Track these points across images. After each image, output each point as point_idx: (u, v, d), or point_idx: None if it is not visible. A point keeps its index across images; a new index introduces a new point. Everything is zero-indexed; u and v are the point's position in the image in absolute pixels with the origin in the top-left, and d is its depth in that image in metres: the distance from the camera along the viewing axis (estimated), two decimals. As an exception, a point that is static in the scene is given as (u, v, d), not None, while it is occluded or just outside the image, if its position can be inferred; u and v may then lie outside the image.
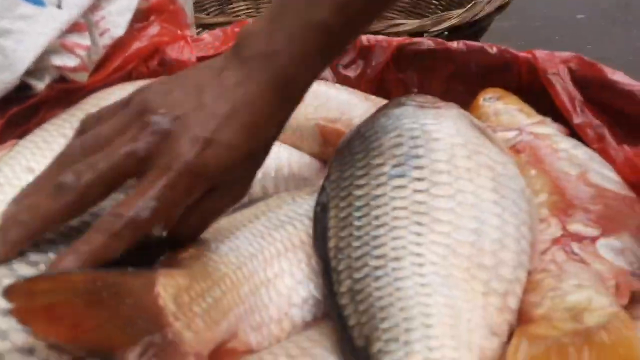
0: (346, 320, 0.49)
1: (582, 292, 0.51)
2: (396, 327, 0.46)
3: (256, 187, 0.74)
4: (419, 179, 0.56)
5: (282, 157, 0.77)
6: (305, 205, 0.66)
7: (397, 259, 0.50)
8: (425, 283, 0.48)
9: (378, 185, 0.56)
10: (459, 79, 0.92)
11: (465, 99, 0.85)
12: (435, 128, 0.61)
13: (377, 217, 0.54)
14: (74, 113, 0.75)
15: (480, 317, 0.48)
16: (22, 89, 0.81)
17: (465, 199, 0.54)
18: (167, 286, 0.45)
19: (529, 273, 0.54)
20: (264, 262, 0.56)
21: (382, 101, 0.89)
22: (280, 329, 0.55)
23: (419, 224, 0.52)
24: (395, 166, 0.57)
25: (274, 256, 0.58)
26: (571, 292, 0.52)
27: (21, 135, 0.82)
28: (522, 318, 0.51)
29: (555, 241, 0.58)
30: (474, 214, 0.53)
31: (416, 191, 0.55)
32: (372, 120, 0.66)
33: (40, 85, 0.81)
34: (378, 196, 0.56)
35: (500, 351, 0.48)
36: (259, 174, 0.77)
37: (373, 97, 0.89)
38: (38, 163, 0.67)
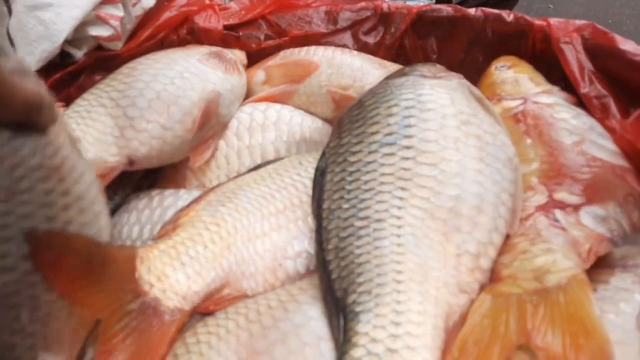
0: (330, 274, 0.55)
1: (550, 255, 0.55)
2: (370, 281, 0.51)
3: (269, 150, 0.80)
4: (407, 147, 0.60)
5: (294, 121, 0.83)
6: (310, 168, 0.72)
7: (378, 220, 0.55)
8: (401, 243, 0.53)
9: (370, 153, 0.61)
10: (477, 46, 0.93)
11: (482, 67, 0.88)
12: (430, 98, 0.64)
13: (366, 182, 0.59)
14: (110, 83, 0.80)
15: (450, 276, 0.52)
16: (63, 57, 0.89)
17: (449, 167, 0.58)
18: (144, 259, 0.52)
19: (508, 237, 0.58)
20: (261, 218, 0.62)
21: (398, 68, 0.92)
22: (274, 277, 0.61)
23: (403, 189, 0.57)
24: (387, 135, 0.61)
25: (272, 213, 0.64)
26: (539, 254, 0.55)
27: (64, 99, 0.90)
28: (492, 277, 0.55)
29: (540, 208, 0.61)
30: (455, 182, 0.57)
31: (403, 159, 0.59)
32: (374, 90, 0.70)
33: (79, 53, 0.88)
34: (369, 162, 0.60)
35: (469, 307, 0.52)
36: (272, 137, 0.83)
37: (389, 64, 0.91)
38: (83, 132, 0.73)
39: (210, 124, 0.78)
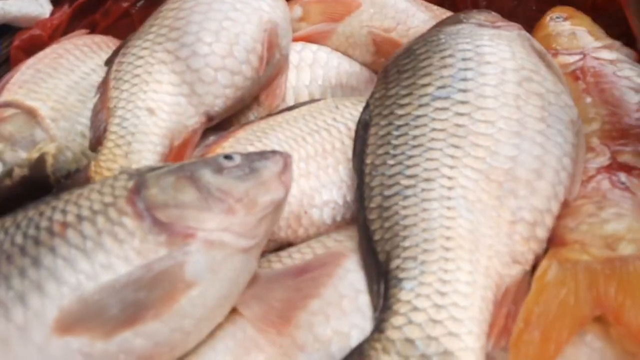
0: (372, 234, 0.51)
1: (622, 220, 0.50)
2: (416, 246, 0.48)
3: (302, 94, 0.75)
4: (462, 102, 0.55)
5: (331, 64, 0.77)
6: (346, 113, 0.67)
7: (427, 180, 0.51)
8: (451, 206, 0.49)
9: (420, 106, 0.56)
10: (531, -6, 0.87)
11: (535, 16, 0.81)
12: (490, 50, 0.59)
13: (414, 137, 0.54)
14: (159, 31, 0.70)
15: (503, 245, 0.49)
16: (89, -19, 0.84)
17: (508, 126, 0.53)
18: None
19: (569, 200, 0.54)
20: (294, 165, 0.58)
21: (445, 13, 0.86)
22: (298, 224, 0.59)
23: (455, 146, 0.52)
24: (440, 87, 0.57)
25: (302, 158, 0.61)
26: (610, 219, 0.51)
27: (88, 25, 0.85)
28: (555, 241, 0.51)
29: (602, 170, 0.56)
30: (514, 142, 0.53)
31: (458, 114, 0.54)
32: (425, 36, 0.64)
33: (106, -23, 0.83)
34: (419, 116, 0.56)
35: (521, 279, 0.49)
36: (306, 80, 0.79)
37: (435, 7, 0.85)
38: (154, 101, 0.66)
39: (274, 58, 0.72)
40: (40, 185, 0.65)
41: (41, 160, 0.65)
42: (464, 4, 0.91)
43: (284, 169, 0.50)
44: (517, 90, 0.56)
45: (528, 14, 0.87)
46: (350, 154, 0.62)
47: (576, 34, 0.73)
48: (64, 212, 0.47)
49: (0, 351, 0.42)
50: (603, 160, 0.57)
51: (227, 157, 0.50)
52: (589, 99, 0.63)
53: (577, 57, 0.69)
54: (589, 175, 0.56)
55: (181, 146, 0.67)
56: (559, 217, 0.52)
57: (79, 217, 0.46)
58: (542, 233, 0.51)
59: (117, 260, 0.44)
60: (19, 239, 0.46)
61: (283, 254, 0.56)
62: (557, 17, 0.76)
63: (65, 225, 0.46)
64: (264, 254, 0.55)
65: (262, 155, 0.52)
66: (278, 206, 0.50)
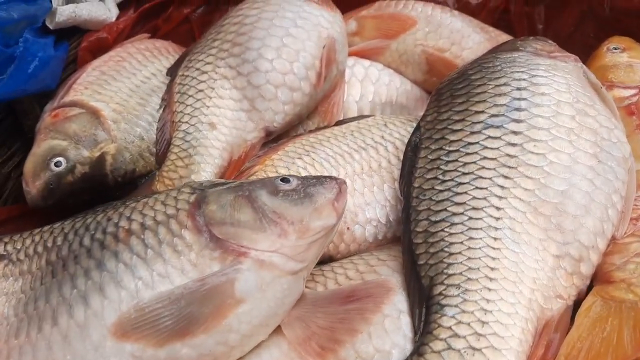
0: (417, 258, 0.52)
1: None
2: (460, 274, 0.49)
3: (352, 107, 0.76)
4: (515, 132, 0.55)
5: (382, 80, 0.78)
6: (395, 132, 0.68)
7: (475, 208, 0.52)
8: (498, 237, 0.50)
9: (472, 133, 0.57)
10: (589, 21, 0.86)
11: (593, 45, 0.80)
12: (545, 81, 0.59)
13: (464, 165, 0.55)
14: (222, 46, 0.72)
15: (547, 279, 0.49)
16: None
17: (559, 159, 0.54)
18: None
19: (616, 237, 0.54)
20: None
21: (500, 35, 0.86)
22: (340, 239, 0.61)
23: (505, 177, 0.53)
24: (493, 115, 0.57)
25: (348, 175, 0.63)
26: (656, 258, 0.51)
27: (150, 29, 0.88)
28: (601, 279, 0.52)
29: None
30: (565, 176, 0.53)
31: (510, 144, 0.55)
32: (481, 62, 0.65)
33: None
34: (470, 144, 0.56)
35: (563, 313, 0.49)
36: (357, 96, 0.80)
37: (491, 29, 0.85)
38: (216, 116, 0.69)
39: (332, 73, 0.73)
40: (98, 183, 0.68)
41: (101, 159, 0.68)
42: (520, 26, 0.91)
43: (338, 196, 0.52)
44: (570, 123, 0.56)
45: (585, 41, 0.85)
46: (396, 173, 0.63)
47: (633, 67, 0.72)
48: (129, 219, 0.50)
49: (60, 345, 0.45)
50: (655, 199, 0.57)
51: (284, 179, 0.52)
52: (643, 136, 0.63)
53: (633, 92, 0.69)
54: (639, 213, 0.56)
55: (240, 160, 0.69)
56: (606, 254, 0.52)
57: (143, 226, 0.49)
58: (587, 269, 0.51)
59: (173, 271, 0.46)
60: (86, 241, 0.49)
61: (326, 268, 0.57)
62: (615, 48, 0.75)
63: (129, 232, 0.48)
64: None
65: (318, 180, 0.53)
66: (329, 232, 0.51)
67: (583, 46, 0.79)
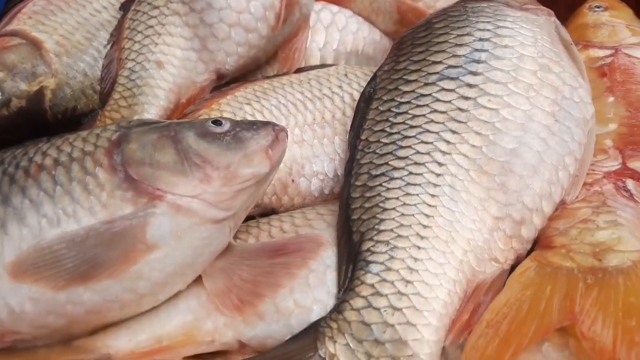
0: (351, 212, 0.49)
1: (615, 229, 0.47)
2: (390, 231, 0.46)
3: (315, 55, 0.72)
4: (470, 85, 0.52)
5: (349, 28, 0.74)
6: (354, 83, 0.65)
7: (417, 163, 0.49)
8: (435, 194, 0.47)
9: (426, 84, 0.53)
10: (576, -25, 0.81)
11: (576, 2, 0.77)
12: (510, 33, 0.55)
13: (413, 117, 0.52)
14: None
15: (482, 240, 0.46)
16: None
17: (513, 116, 0.50)
18: None
19: (566, 202, 0.51)
20: (285, 127, 0.57)
21: (482, -12, 0.81)
22: (284, 192, 0.58)
23: (453, 132, 0.50)
24: (450, 67, 0.53)
25: (299, 124, 0.59)
26: (603, 227, 0.48)
27: None
28: (542, 243, 0.49)
29: (609, 174, 0.53)
30: (516, 134, 0.49)
31: (462, 97, 0.51)
32: (447, 10, 0.61)
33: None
34: (422, 95, 0.53)
35: (497, 277, 0.47)
36: (321, 42, 0.75)
37: (472, -18, 0.81)
38: (165, 54, 0.65)
39: (293, 17, 0.69)
40: (37, 119, 0.65)
41: (40, 94, 0.64)
42: (504, -21, 0.86)
43: (273, 143, 0.48)
44: (531, 79, 0.52)
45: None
46: (349, 126, 0.60)
47: (613, 27, 0.68)
48: (44, 154, 0.47)
49: None
50: (613, 164, 0.54)
51: (217, 121, 0.49)
52: (610, 98, 0.60)
53: (608, 52, 0.65)
54: (594, 178, 0.53)
55: (188, 103, 0.66)
56: (552, 219, 0.49)
57: (56, 162, 0.46)
58: (528, 233, 0.48)
59: (81, 210, 0.43)
60: None
61: (263, 220, 0.54)
62: (597, 7, 0.71)
63: (40, 167, 0.46)
64: (246, 219, 0.54)
65: (254, 125, 0.50)
66: (261, 181, 0.48)
67: (567, 3, 0.75)
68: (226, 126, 0.48)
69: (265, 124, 0.50)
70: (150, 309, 0.47)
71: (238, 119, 0.60)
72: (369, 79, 0.65)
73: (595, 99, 0.57)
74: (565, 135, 0.51)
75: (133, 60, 0.65)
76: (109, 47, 0.68)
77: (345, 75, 0.66)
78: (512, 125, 0.50)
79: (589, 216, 0.48)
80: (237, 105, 0.61)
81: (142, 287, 0.45)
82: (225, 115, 0.61)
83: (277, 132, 0.49)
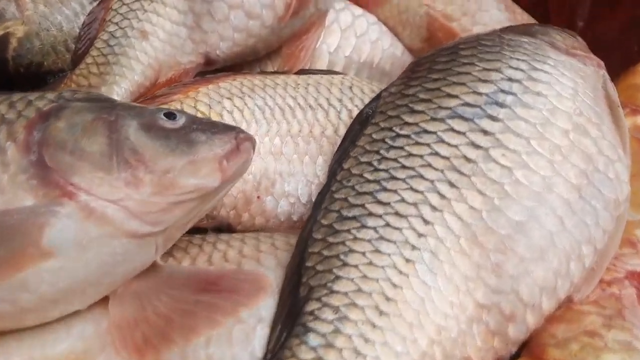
0: (307, 256, 0.40)
1: (627, 356, 0.39)
2: (344, 294, 0.37)
3: (323, 58, 0.64)
4: (484, 132, 0.42)
5: (369, 36, 0.65)
6: (357, 99, 0.56)
7: (398, 214, 0.39)
8: (411, 259, 0.38)
9: (433, 119, 0.44)
10: (638, 29, 0.72)
11: (634, 58, 0.67)
12: (547, 79, 0.46)
13: (408, 156, 0.42)
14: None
15: (457, 332, 0.37)
16: None
17: (529, 181, 0.41)
18: None
19: (573, 300, 0.42)
20: (264, 134, 0.51)
21: (529, 20, 0.72)
22: (245, 209, 0.50)
23: (451, 185, 0.40)
24: (467, 104, 0.44)
25: (281, 133, 0.51)
26: (612, 348, 0.39)
27: None
28: (532, 350, 0.40)
29: (633, 275, 0.45)
30: (528, 204, 0.40)
31: (472, 145, 0.42)
32: (480, 37, 0.51)
33: None
34: (426, 132, 0.43)
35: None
36: (332, 46, 0.67)
37: (519, 10, 0.71)
38: (152, 24, 0.58)
39: (307, 10, 0.61)
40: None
41: (4, 40, 0.58)
42: (558, 17, 0.77)
43: (231, 153, 0.40)
44: (560, 139, 0.43)
45: (628, 53, 0.72)
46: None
47: (670, 93, 0.58)
48: None
49: None
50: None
51: (170, 114, 0.40)
52: (651, 180, 0.50)
53: (658, 122, 0.55)
54: (614, 276, 0.44)
55: (167, 83, 0.58)
56: (550, 319, 0.40)
57: None
58: (517, 332, 0.39)
59: None
60: None
61: (209, 239, 0.46)
62: (658, 66, 0.61)
63: None
64: (193, 230, 0.45)
65: (213, 126, 0.41)
66: (206, 196, 0.40)
67: (624, 57, 0.66)
68: (180, 121, 0.40)
69: (229, 128, 0.41)
70: (35, 329, 0.38)
71: (213, 114, 0.52)
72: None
73: (634, 176, 0.48)
74: (589, 217, 0.41)
75: (116, 24, 0.58)
76: (95, 3, 0.62)
77: (350, 88, 0.57)
78: (526, 192, 0.40)
79: (598, 328, 0.39)
80: (216, 97, 0.52)
81: (25, 301, 0.36)
82: (201, 107, 0.52)
83: (240, 141, 0.40)
